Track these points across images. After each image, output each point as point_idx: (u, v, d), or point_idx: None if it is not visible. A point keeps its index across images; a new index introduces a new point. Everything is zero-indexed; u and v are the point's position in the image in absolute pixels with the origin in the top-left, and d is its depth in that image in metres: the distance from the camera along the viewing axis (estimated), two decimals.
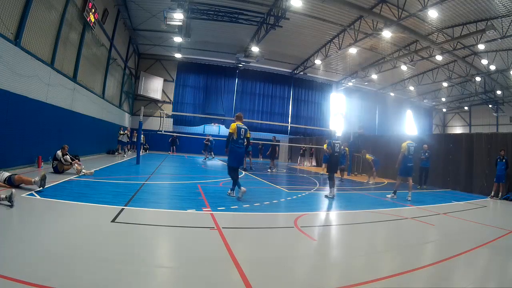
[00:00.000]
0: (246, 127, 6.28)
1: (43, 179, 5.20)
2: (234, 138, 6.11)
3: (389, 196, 7.88)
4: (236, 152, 6.16)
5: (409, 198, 7.51)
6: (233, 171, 6.23)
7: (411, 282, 2.68)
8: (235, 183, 6.15)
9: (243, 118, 6.46)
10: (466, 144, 10.89)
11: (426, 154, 10.85)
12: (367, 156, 12.07)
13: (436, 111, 34.97)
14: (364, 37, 17.61)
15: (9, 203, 4.06)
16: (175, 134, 20.10)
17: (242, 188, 5.95)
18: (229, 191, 6.32)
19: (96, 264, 2.54)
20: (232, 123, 6.28)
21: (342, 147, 8.39)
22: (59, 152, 7.63)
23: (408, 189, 7.76)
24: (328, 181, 7.45)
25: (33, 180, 5.22)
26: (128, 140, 18.72)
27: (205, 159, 18.45)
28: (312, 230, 4.43)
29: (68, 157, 7.70)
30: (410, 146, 7.92)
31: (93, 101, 14.10)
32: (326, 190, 7.69)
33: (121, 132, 16.76)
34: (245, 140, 6.28)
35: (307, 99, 28.30)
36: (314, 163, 21.81)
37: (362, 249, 3.71)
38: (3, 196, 4.12)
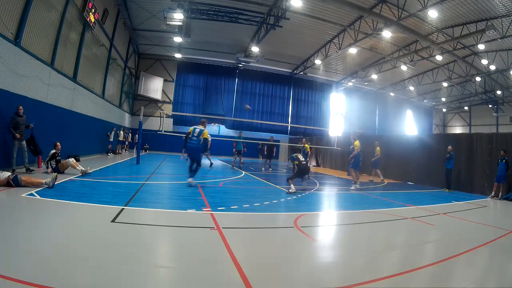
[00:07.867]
0: (202, 128, 7.52)
1: (54, 179, 5.60)
2: (190, 137, 7.52)
3: (352, 187, 8.92)
4: (188, 147, 7.60)
5: (358, 186, 9.09)
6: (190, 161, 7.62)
7: (411, 282, 2.68)
8: (193, 171, 7.47)
9: (206, 123, 7.85)
10: (466, 144, 10.87)
11: (447, 155, 10.24)
12: (378, 148, 12.24)
13: (436, 111, 34.96)
14: (364, 37, 17.60)
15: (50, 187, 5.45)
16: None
17: (191, 179, 7.20)
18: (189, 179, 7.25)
19: (96, 264, 2.54)
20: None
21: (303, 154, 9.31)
22: (53, 151, 7.80)
23: (356, 179, 9.18)
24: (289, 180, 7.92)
25: (44, 181, 5.49)
26: (125, 140, 18.69)
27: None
28: (312, 230, 4.43)
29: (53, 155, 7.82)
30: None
31: (93, 101, 14.10)
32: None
33: (109, 133, 15.93)
34: (200, 139, 7.46)
35: (307, 99, 28.30)
36: (314, 163, 21.79)
37: (362, 249, 3.71)
38: (44, 181, 5.43)
